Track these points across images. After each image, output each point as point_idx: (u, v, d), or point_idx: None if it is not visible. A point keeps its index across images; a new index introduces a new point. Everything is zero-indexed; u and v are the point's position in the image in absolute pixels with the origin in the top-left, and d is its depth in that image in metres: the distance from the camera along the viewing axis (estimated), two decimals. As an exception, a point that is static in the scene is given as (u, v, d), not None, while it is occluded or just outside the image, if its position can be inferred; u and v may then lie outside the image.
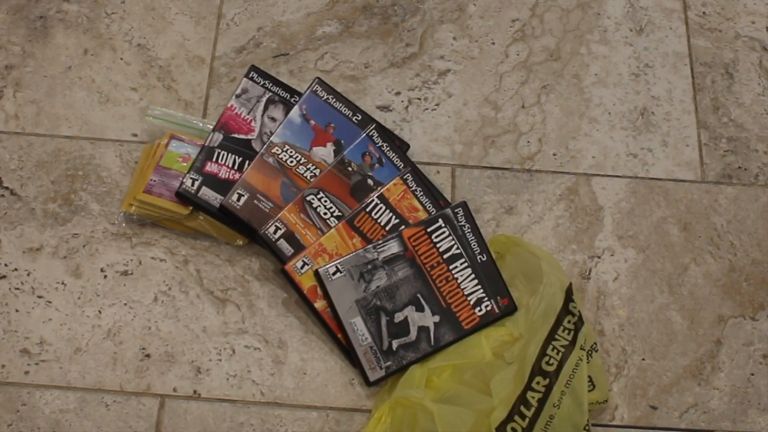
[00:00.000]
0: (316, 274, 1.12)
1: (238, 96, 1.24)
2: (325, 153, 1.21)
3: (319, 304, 1.12)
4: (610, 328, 1.17)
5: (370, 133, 1.21)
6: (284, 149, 1.20)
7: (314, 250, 1.14)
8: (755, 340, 1.18)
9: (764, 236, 1.24)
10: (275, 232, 1.15)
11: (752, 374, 1.16)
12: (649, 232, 1.24)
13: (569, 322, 1.08)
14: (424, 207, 1.18)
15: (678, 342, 1.17)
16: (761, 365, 1.16)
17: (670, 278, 1.21)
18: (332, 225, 1.16)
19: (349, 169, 1.20)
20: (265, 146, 1.20)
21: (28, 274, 1.16)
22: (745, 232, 1.24)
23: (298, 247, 1.15)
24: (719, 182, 1.28)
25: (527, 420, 1.01)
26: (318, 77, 1.25)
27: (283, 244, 1.15)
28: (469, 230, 1.16)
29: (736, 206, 1.26)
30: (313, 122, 1.22)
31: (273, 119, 1.23)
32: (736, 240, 1.23)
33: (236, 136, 1.21)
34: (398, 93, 1.31)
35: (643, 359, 1.16)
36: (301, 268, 1.13)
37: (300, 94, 1.25)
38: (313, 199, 1.17)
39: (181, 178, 1.18)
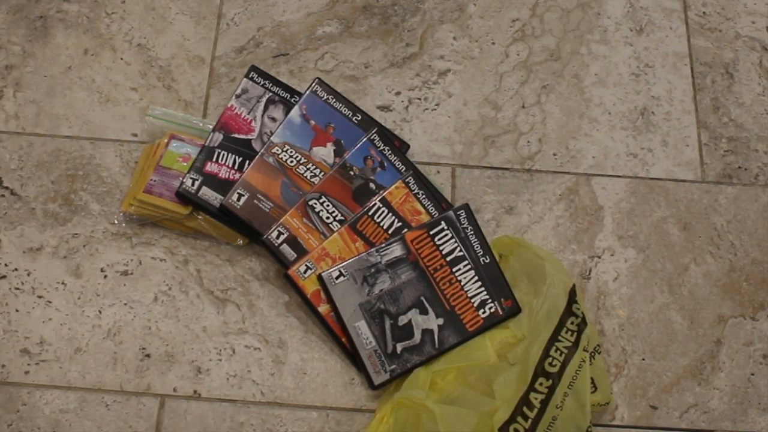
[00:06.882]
0: (320, 278, 1.12)
1: (238, 96, 1.24)
2: (325, 153, 1.21)
3: (323, 308, 1.12)
4: (610, 328, 1.18)
5: (372, 137, 1.21)
6: (284, 149, 1.20)
7: (317, 255, 1.14)
8: (755, 340, 1.18)
9: (764, 236, 1.24)
10: (278, 237, 1.15)
11: (752, 374, 1.16)
12: (649, 232, 1.24)
13: (572, 323, 1.08)
14: (427, 210, 1.18)
15: (678, 342, 1.17)
16: (761, 365, 1.16)
17: (670, 278, 1.21)
18: (335, 229, 1.16)
19: (351, 173, 1.20)
20: (265, 146, 1.20)
21: (28, 274, 1.16)
22: (745, 232, 1.24)
23: (301, 251, 1.15)
24: (719, 182, 1.28)
25: (530, 421, 1.01)
26: (318, 77, 1.25)
27: (286, 249, 1.14)
28: (472, 232, 1.16)
29: (736, 206, 1.26)
30: (313, 122, 1.22)
31: (273, 119, 1.23)
32: (736, 240, 1.24)
33: (236, 136, 1.21)
34: (398, 93, 1.31)
35: (643, 359, 1.16)
36: (305, 272, 1.13)
37: (300, 94, 1.25)
38: (315, 203, 1.17)
39: (181, 178, 1.17)
